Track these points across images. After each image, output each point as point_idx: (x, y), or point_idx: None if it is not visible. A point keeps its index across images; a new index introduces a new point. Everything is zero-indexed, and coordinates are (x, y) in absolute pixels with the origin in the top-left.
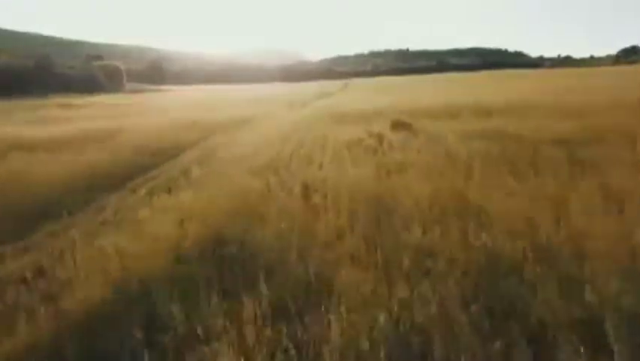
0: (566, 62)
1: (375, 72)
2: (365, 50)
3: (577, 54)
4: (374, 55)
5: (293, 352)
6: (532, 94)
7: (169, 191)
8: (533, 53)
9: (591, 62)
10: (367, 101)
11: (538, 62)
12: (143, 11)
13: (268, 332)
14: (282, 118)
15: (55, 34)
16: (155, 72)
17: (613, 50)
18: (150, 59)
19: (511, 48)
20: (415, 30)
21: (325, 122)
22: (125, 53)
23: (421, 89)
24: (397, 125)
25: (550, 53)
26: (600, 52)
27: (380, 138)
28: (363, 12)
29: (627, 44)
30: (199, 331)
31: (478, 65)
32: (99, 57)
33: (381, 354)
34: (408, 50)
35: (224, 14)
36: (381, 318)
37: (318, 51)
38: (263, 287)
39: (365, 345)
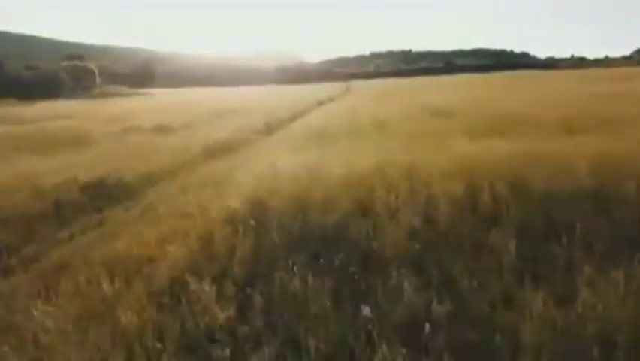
0: (581, 63)
1: (378, 73)
2: (366, 51)
3: (583, 54)
4: (375, 56)
5: None
6: None
7: None
8: (540, 53)
9: (608, 62)
10: (390, 116)
11: (551, 63)
12: (140, 13)
13: None
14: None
15: (48, 36)
16: (145, 74)
17: (625, 50)
18: (139, 61)
19: (517, 49)
20: (416, 30)
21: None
22: (121, 54)
23: (456, 91)
24: None
25: (559, 53)
26: (608, 52)
27: None
28: (363, 12)
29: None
30: None
31: (486, 67)
32: (80, 57)
33: None
34: (410, 50)
35: (224, 15)
36: None
37: (318, 53)
38: None
39: None
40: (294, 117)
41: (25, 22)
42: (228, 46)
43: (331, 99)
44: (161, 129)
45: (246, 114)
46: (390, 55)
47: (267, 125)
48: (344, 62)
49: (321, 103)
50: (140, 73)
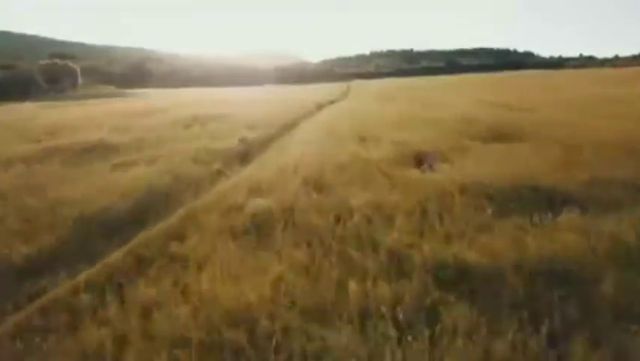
0: (589, 62)
1: (379, 73)
2: (367, 50)
3: (591, 53)
4: (376, 55)
5: None
6: None
7: None
8: (544, 52)
9: (618, 61)
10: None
11: (557, 62)
12: (141, 13)
13: None
14: None
15: (49, 36)
16: (140, 74)
17: (634, 49)
18: (135, 60)
19: (520, 48)
20: (417, 29)
21: None
22: (121, 54)
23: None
24: None
25: (564, 52)
26: (610, 52)
27: None
28: (364, 11)
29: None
30: None
31: (489, 66)
32: (62, 56)
33: None
34: (412, 50)
35: (224, 15)
36: None
37: (318, 53)
38: None
39: None
40: (284, 128)
41: (28, 22)
42: (228, 46)
43: (332, 102)
44: (95, 150)
45: (223, 124)
46: (391, 54)
47: (244, 143)
48: (344, 61)
49: (320, 106)
50: (135, 73)
